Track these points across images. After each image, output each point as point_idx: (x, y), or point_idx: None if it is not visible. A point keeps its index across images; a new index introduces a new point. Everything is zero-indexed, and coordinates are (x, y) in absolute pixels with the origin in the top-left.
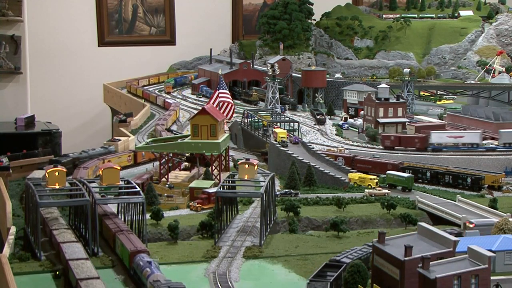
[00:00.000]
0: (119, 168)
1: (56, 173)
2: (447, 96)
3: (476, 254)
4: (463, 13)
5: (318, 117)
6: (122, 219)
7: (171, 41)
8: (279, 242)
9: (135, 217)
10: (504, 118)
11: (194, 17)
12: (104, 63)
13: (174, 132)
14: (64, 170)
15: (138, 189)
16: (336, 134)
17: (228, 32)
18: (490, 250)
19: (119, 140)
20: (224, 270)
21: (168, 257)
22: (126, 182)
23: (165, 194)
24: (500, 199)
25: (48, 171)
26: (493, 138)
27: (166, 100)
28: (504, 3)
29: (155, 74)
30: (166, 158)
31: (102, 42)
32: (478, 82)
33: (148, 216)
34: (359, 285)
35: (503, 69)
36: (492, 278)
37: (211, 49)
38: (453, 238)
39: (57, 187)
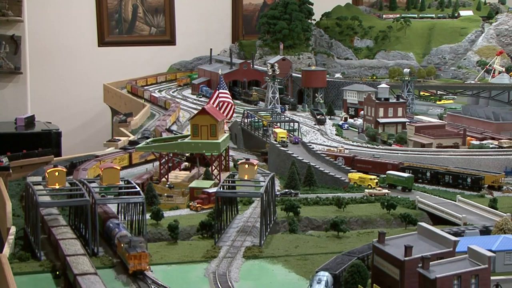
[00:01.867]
0: (119, 168)
1: (56, 173)
2: (447, 96)
3: (476, 254)
4: (463, 13)
5: (318, 117)
6: (122, 219)
7: (171, 41)
8: (279, 242)
9: (135, 217)
10: (504, 118)
11: (194, 17)
12: (104, 63)
13: (174, 132)
14: (64, 170)
15: (138, 189)
16: (336, 134)
17: (228, 32)
18: (490, 250)
19: (119, 140)
20: (224, 270)
21: (168, 257)
22: (126, 182)
23: (165, 194)
24: (500, 199)
25: (48, 171)
26: (493, 138)
27: (152, 94)
28: (504, 3)
29: (171, 72)
30: (166, 158)
31: (102, 42)
32: (478, 82)
33: (148, 216)
34: (359, 285)
35: (503, 69)
36: (492, 278)
37: (211, 49)
38: (453, 238)
39: (57, 187)
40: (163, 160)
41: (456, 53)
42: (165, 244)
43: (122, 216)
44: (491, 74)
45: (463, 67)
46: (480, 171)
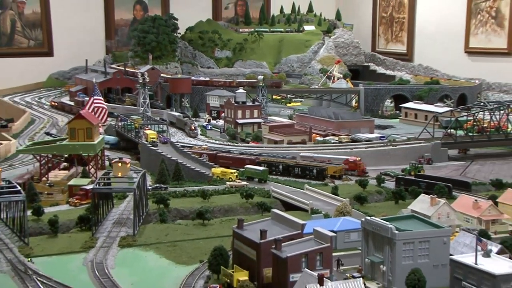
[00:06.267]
0: (0, 169)
1: (119, 164)
2: (295, 99)
3: (320, 235)
4: (307, 27)
5: (185, 121)
6: (4, 216)
7: (49, 53)
8: (151, 231)
9: (16, 214)
10: (343, 117)
11: (70, 30)
12: None
13: (53, 135)
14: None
15: (19, 188)
16: (201, 134)
17: (102, 44)
18: (332, 231)
19: (1, 144)
20: (101, 258)
21: (49, 249)
22: (7, 182)
23: (46, 192)
24: (340, 186)
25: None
26: (334, 135)
27: None
28: (340, 19)
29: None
30: (46, 159)
31: None
32: (321, 87)
33: (29, 212)
34: (221, 267)
35: (341, 76)
36: (334, 254)
37: (86, 60)
38: (300, 221)
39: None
40: (43, 161)
41: (302, 62)
42: (45, 237)
43: (4, 214)
44: (332, 80)
45: (308, 74)
46: (324, 163)
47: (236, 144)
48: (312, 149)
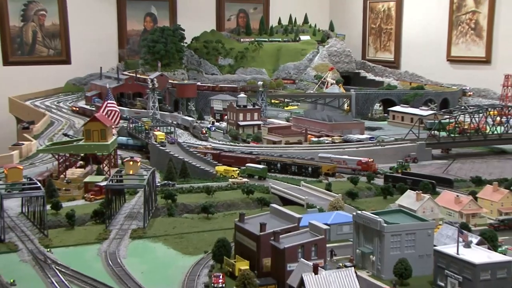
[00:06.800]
0: (22, 167)
1: (131, 163)
2: (292, 103)
3: (315, 228)
4: (303, 37)
5: (196, 130)
6: (26, 210)
7: (67, 61)
8: (160, 224)
9: (37, 208)
10: (336, 120)
11: (86, 40)
12: (9, 79)
13: (70, 136)
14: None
15: (39, 184)
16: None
17: (115, 53)
18: (326, 224)
19: (23, 144)
20: (114, 249)
21: (66, 241)
22: (28, 179)
23: (64, 188)
24: (333, 183)
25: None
26: (328, 136)
27: None
28: (333, 30)
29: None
30: (64, 158)
31: (6, 62)
32: (316, 92)
33: (48, 207)
34: (224, 257)
35: (334, 82)
36: (327, 245)
37: (101, 67)
38: (297, 215)
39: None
40: (61, 159)
41: (299, 69)
42: (63, 230)
43: (26, 208)
44: (325, 85)
45: (304, 80)
46: (318, 161)
47: (238, 144)
48: (329, 149)
